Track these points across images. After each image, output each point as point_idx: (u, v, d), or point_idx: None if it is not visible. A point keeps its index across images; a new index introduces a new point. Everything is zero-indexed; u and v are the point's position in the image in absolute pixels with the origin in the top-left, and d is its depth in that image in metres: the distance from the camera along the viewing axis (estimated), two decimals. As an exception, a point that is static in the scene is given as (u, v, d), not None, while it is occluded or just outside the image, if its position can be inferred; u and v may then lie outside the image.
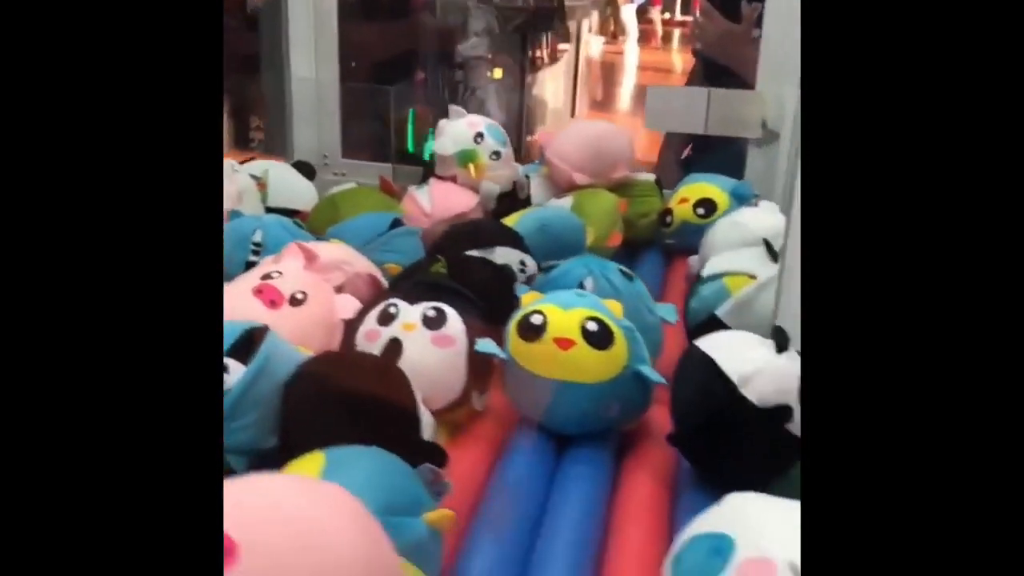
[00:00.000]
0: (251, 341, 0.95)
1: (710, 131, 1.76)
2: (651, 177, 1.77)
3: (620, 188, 1.68)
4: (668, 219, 1.66)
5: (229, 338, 0.94)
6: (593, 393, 0.99)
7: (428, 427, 0.94)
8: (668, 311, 1.17)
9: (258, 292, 1.09)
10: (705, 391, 0.89)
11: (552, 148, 1.69)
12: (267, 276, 1.12)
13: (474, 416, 1.09)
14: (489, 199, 1.68)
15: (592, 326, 0.99)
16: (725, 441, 0.87)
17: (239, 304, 1.08)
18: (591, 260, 1.22)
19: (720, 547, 0.63)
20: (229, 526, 0.47)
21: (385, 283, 1.26)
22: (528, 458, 1.01)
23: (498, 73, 3.20)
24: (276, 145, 1.93)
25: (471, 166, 1.65)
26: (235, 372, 0.91)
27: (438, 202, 1.62)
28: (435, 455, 0.90)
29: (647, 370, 1.00)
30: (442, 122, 1.70)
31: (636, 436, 1.06)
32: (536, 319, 1.01)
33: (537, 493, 0.96)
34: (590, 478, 0.98)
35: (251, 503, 0.49)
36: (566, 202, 1.62)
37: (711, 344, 0.93)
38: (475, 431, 1.07)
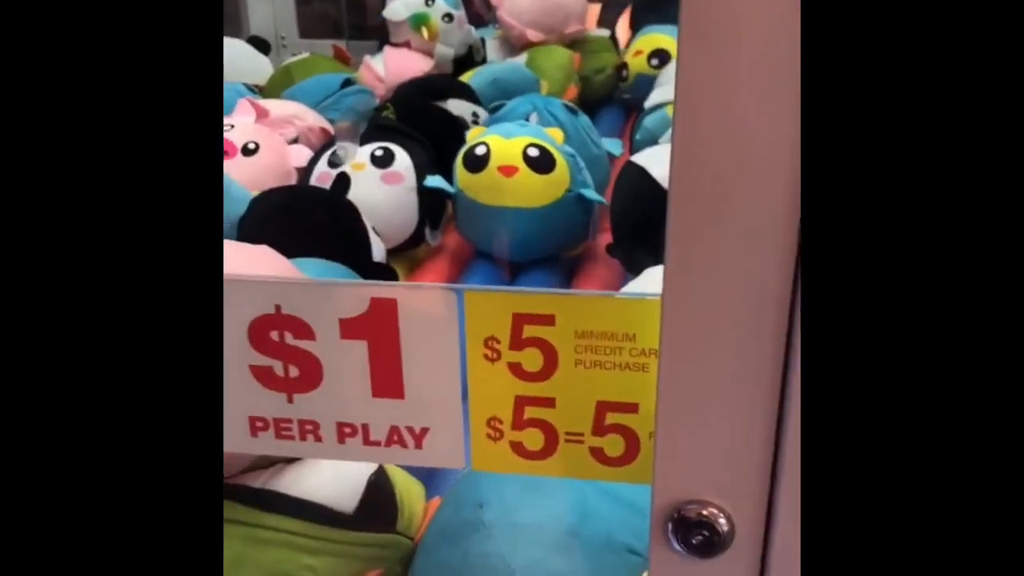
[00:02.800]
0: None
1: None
2: (606, 32, 1.77)
3: (574, 44, 1.69)
4: (624, 73, 1.67)
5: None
6: (538, 216, 1.03)
7: (380, 253, 0.98)
8: (614, 145, 1.21)
9: (211, 144, 1.12)
10: (637, 197, 0.93)
11: (505, 6, 1.69)
12: (219, 129, 1.15)
13: (430, 252, 1.14)
14: (445, 63, 1.68)
15: (534, 152, 1.03)
16: (657, 242, 0.91)
17: (193, 156, 1.11)
18: (536, 97, 1.25)
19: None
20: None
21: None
22: (480, 284, 1.06)
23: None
24: (232, 24, 1.91)
25: (423, 29, 1.65)
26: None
27: (392, 68, 1.63)
28: (386, 276, 0.95)
29: (589, 192, 1.04)
30: (393, -12, 1.69)
31: (582, 259, 1.11)
32: (480, 150, 1.05)
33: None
34: (538, 295, 1.03)
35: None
36: (521, 59, 1.63)
37: (645, 157, 0.97)
38: (431, 266, 1.12)
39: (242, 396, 0.41)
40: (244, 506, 0.52)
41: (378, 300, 0.38)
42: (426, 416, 0.40)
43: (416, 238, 1.11)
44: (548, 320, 0.38)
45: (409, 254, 1.13)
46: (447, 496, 0.56)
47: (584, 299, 0.38)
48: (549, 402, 0.39)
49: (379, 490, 0.52)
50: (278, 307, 0.39)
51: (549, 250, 1.08)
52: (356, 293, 0.39)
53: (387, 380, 0.40)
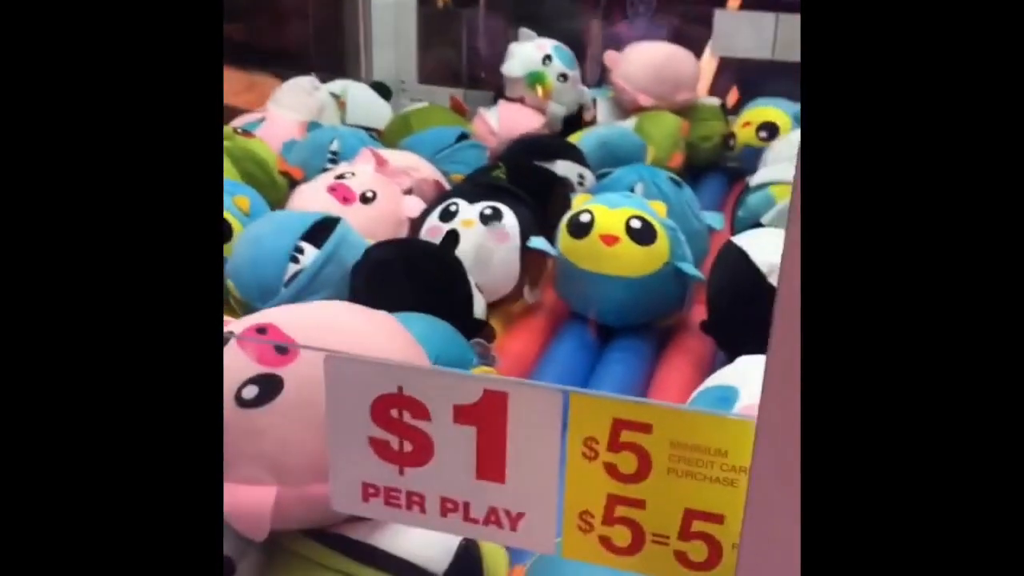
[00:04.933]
0: (324, 230, 1.05)
1: (777, 56, 1.77)
2: (716, 101, 1.79)
3: (684, 111, 1.72)
4: (731, 142, 1.68)
5: (304, 225, 1.04)
6: (635, 286, 1.06)
7: (480, 309, 1.03)
8: (715, 219, 1.22)
9: (332, 190, 1.20)
10: (735, 279, 0.95)
11: (618, 70, 1.73)
12: (341, 176, 1.23)
13: (527, 309, 1.18)
14: (555, 120, 1.74)
15: (636, 223, 1.06)
16: (751, 325, 0.93)
17: (314, 200, 1.19)
18: (642, 168, 1.28)
19: (726, 396, 0.70)
20: (288, 331, 0.56)
21: (449, 188, 1.34)
22: (573, 345, 1.10)
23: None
24: (355, 67, 2.02)
25: (539, 87, 1.71)
26: (309, 255, 1.02)
27: (505, 122, 1.69)
28: (486, 332, 0.99)
29: (687, 266, 1.06)
30: (512, 45, 1.76)
31: (675, 330, 1.13)
32: (584, 217, 1.08)
33: (578, 376, 1.05)
34: (629, 363, 1.06)
35: (311, 317, 0.59)
36: (629, 123, 1.67)
37: (745, 239, 0.99)
38: (527, 322, 1.16)
39: (358, 463, 0.45)
40: (341, 555, 0.56)
41: (491, 392, 0.42)
42: (523, 501, 0.44)
43: (514, 294, 1.15)
44: (646, 428, 0.40)
45: (506, 309, 1.17)
46: (531, 570, 0.59)
47: (681, 413, 0.41)
48: (639, 503, 0.42)
49: (469, 556, 0.55)
50: (400, 388, 0.43)
51: (643, 319, 1.11)
52: (471, 383, 0.42)
53: (491, 464, 0.43)
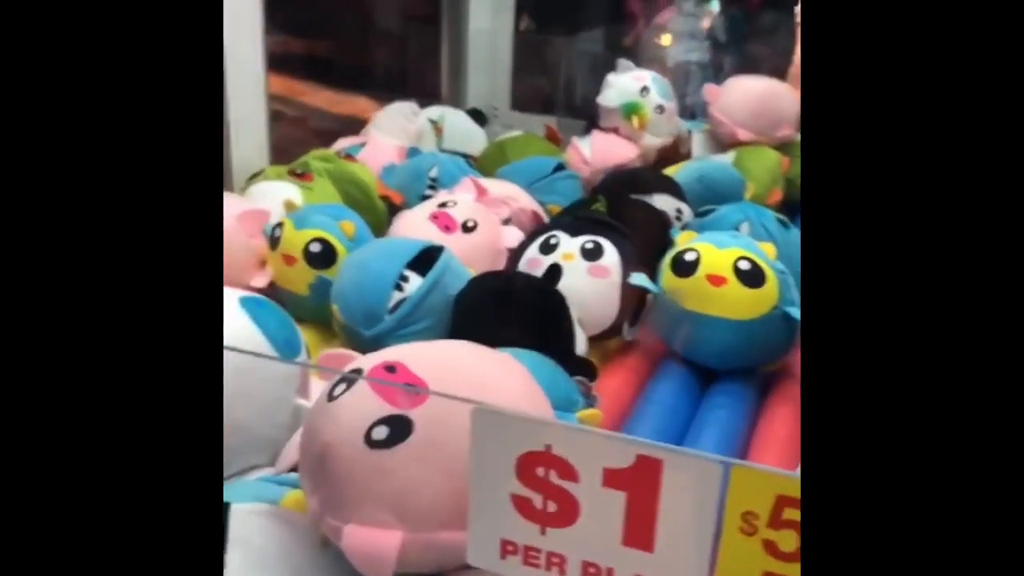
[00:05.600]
0: (427, 258, 1.05)
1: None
2: (817, 137, 1.75)
3: (784, 147, 1.68)
4: (831, 180, 1.64)
5: (409, 253, 1.05)
6: (741, 329, 1.03)
7: (582, 345, 1.01)
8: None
9: (434, 218, 1.20)
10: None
11: (717, 104, 1.71)
12: (443, 204, 1.23)
13: (625, 346, 1.16)
14: (650, 152, 1.72)
15: (744, 265, 1.03)
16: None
17: (416, 226, 1.19)
18: (748, 206, 1.25)
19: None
20: (417, 370, 0.56)
21: (546, 219, 1.34)
22: (673, 387, 1.07)
23: (666, 40, 3.18)
24: (452, 93, 2.04)
25: (634, 118, 1.69)
26: (413, 283, 1.02)
27: (599, 152, 1.68)
28: (587, 370, 0.98)
29: (795, 311, 1.03)
30: (609, 75, 1.75)
31: (780, 376, 1.10)
32: (690, 256, 1.06)
33: (679, 419, 1.02)
34: (731, 409, 1.03)
35: (438, 356, 0.58)
36: (727, 157, 1.64)
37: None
38: (625, 360, 1.14)
39: (499, 519, 0.44)
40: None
41: (644, 458, 0.41)
42: (672, 573, 0.42)
43: (612, 330, 1.14)
44: (812, 507, 0.38)
45: (602, 345, 1.15)
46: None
47: (852, 494, 0.38)
48: (799, 585, 0.40)
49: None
50: (548, 447, 0.42)
51: (747, 363, 1.08)
52: (624, 446, 0.41)
53: (640, 532, 0.42)
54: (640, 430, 0.96)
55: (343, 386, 0.56)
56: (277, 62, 1.64)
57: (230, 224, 1.16)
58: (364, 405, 0.54)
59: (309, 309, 1.11)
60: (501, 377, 0.57)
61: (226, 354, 0.49)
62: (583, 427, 0.42)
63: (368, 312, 1.00)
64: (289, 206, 1.19)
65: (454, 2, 1.99)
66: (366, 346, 1.02)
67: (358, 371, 0.57)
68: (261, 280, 1.14)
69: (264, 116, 1.48)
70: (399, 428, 0.53)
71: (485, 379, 0.56)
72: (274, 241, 1.14)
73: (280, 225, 1.14)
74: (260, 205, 1.21)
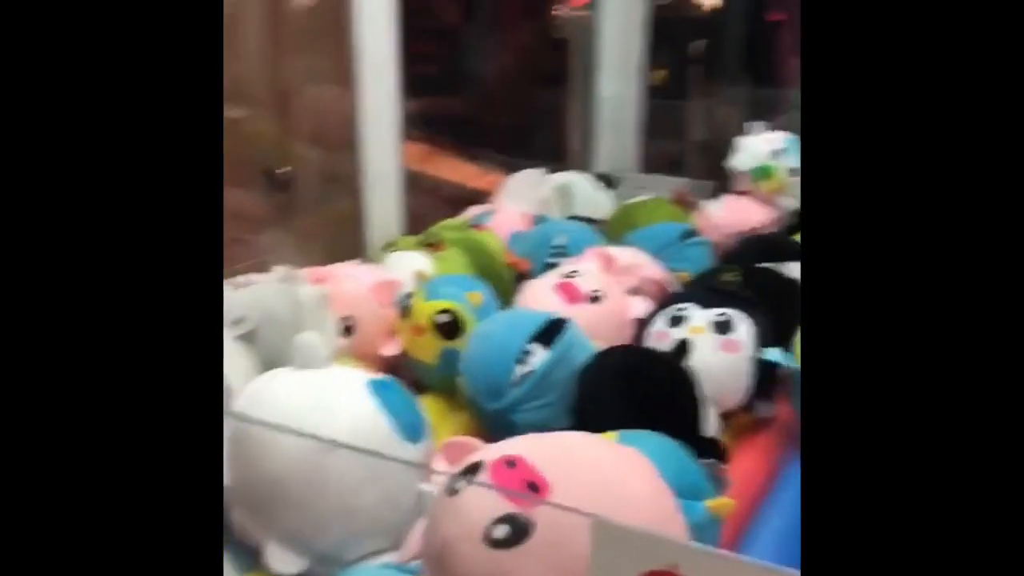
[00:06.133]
0: (552, 331, 1.05)
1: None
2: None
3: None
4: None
5: (533, 326, 1.04)
6: (885, 412, 0.97)
7: (712, 425, 0.97)
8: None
9: (559, 288, 1.20)
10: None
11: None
12: (569, 275, 1.23)
13: (756, 423, 1.11)
14: (788, 215, 1.67)
15: (889, 343, 0.97)
16: None
17: (542, 297, 1.19)
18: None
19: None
20: (541, 467, 0.55)
21: (674, 287, 1.31)
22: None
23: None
24: (580, 157, 2.06)
25: (764, 183, 1.65)
26: (537, 356, 1.02)
27: (730, 217, 1.64)
28: (717, 451, 0.94)
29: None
30: (739, 138, 1.72)
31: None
32: (828, 332, 1.01)
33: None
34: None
35: (559, 450, 0.57)
36: (868, 221, 1.57)
37: None
38: (757, 439, 1.09)
39: (620, 637, 0.42)
40: None
41: (779, 586, 0.38)
42: None
43: (743, 407, 1.09)
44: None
45: (734, 422, 1.10)
46: None
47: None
48: None
49: None
50: (675, 567, 0.40)
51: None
52: (758, 570, 0.38)
53: (772, 665, 0.39)
54: (775, 520, 0.91)
55: (464, 480, 0.55)
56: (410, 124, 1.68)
57: (364, 294, 1.20)
58: (484, 501, 0.54)
59: (438, 379, 1.12)
60: (625, 475, 0.55)
61: (351, 440, 0.50)
62: (712, 550, 0.40)
63: (491, 386, 1.00)
64: (420, 276, 1.23)
65: (582, 64, 2.02)
66: (490, 420, 1.02)
67: (478, 465, 0.56)
68: (392, 349, 1.17)
69: (398, 183, 1.54)
70: (519, 528, 0.52)
71: (608, 476, 0.54)
72: (405, 311, 1.17)
73: (411, 295, 1.17)
74: (393, 275, 1.24)
